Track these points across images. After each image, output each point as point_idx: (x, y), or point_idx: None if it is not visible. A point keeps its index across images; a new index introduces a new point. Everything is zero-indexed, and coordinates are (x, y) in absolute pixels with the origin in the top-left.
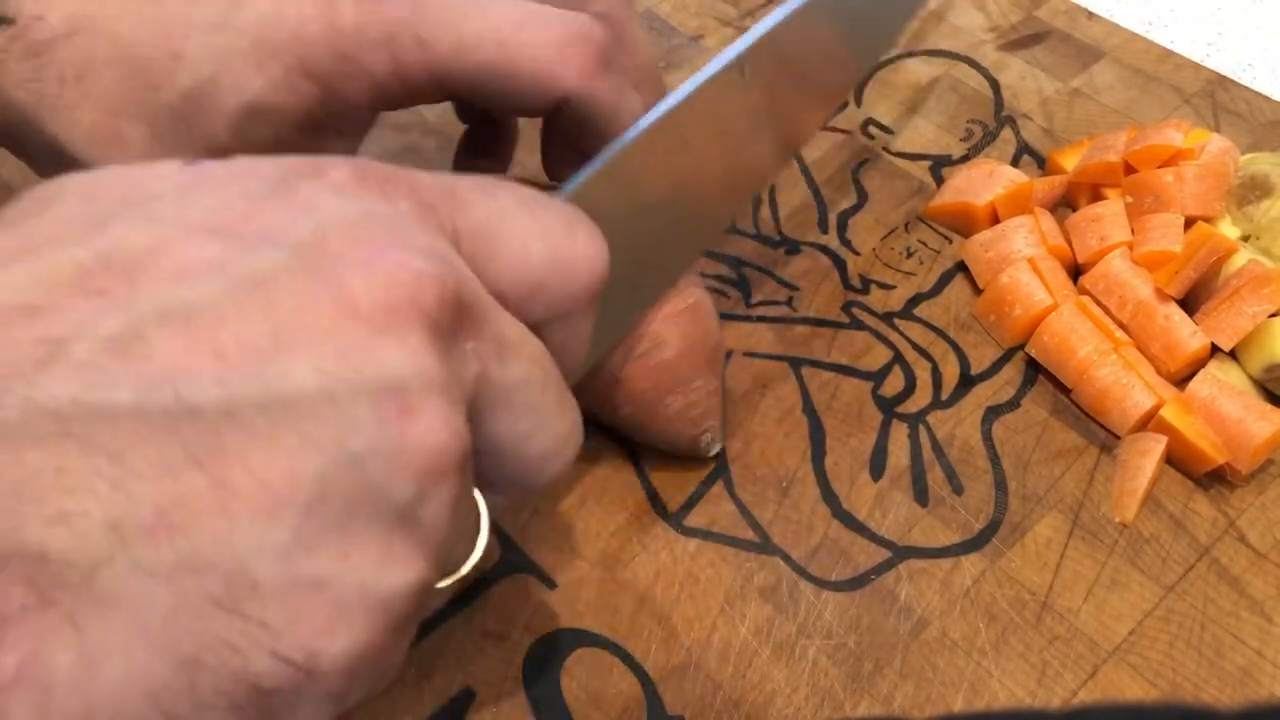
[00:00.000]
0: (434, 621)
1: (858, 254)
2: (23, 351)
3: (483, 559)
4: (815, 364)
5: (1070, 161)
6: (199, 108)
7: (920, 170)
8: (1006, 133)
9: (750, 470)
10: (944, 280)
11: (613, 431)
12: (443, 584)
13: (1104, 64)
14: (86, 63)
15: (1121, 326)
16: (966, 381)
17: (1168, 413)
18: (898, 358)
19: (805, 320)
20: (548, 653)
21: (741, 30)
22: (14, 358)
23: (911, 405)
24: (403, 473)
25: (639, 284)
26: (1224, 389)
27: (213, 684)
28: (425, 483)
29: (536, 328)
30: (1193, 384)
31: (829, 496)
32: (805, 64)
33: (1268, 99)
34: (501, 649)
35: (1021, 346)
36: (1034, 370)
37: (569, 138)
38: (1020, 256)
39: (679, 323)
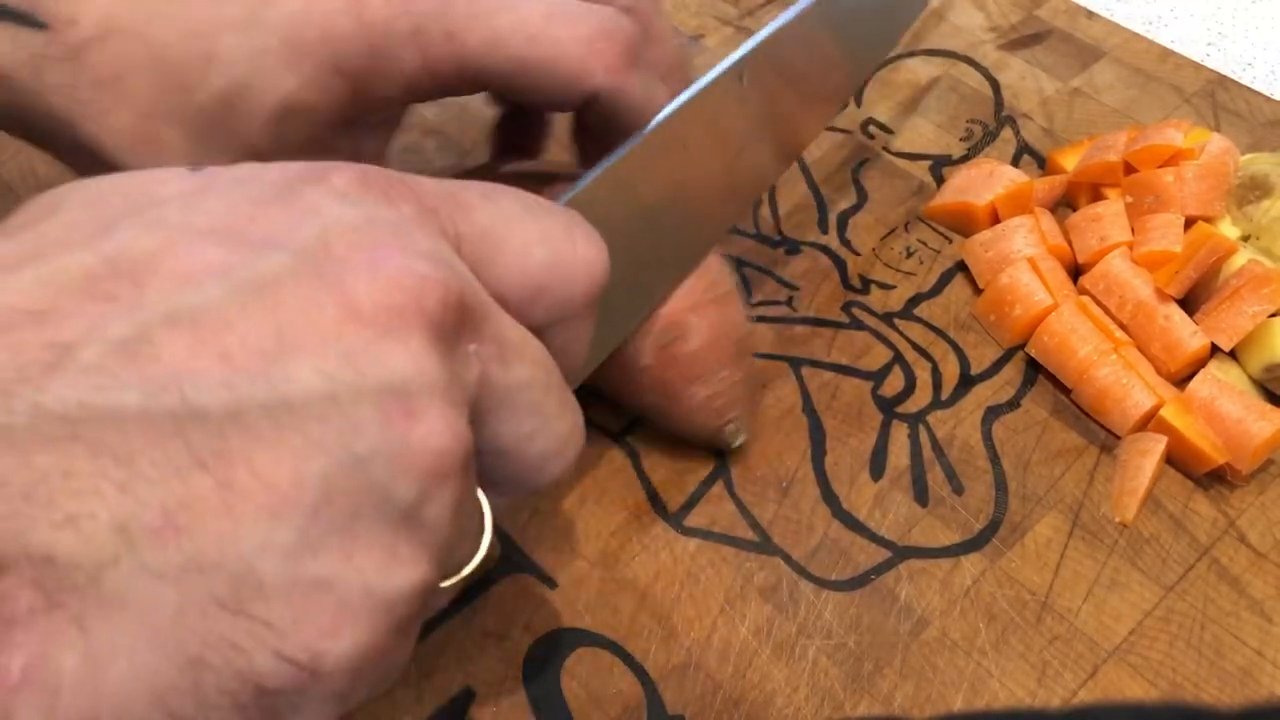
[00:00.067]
0: (434, 621)
1: (858, 254)
2: (31, 356)
3: (485, 559)
4: (815, 364)
5: (1070, 161)
6: (233, 110)
7: (920, 170)
8: (1006, 132)
9: (750, 470)
10: (944, 280)
11: (613, 431)
12: (446, 584)
13: (1104, 64)
14: (121, 66)
15: (1121, 326)
16: (966, 381)
17: (1168, 413)
18: (898, 358)
19: (805, 320)
20: (548, 652)
21: (741, 30)
22: (22, 362)
23: (911, 405)
24: (406, 474)
25: (639, 288)
26: (1224, 389)
27: (217, 684)
28: (428, 484)
29: (538, 331)
30: (1193, 384)
31: (829, 496)
32: (804, 70)
33: (1267, 99)
34: (501, 648)
35: (1021, 346)
36: (1034, 370)
37: (599, 132)
38: (1020, 256)
39: (707, 313)
